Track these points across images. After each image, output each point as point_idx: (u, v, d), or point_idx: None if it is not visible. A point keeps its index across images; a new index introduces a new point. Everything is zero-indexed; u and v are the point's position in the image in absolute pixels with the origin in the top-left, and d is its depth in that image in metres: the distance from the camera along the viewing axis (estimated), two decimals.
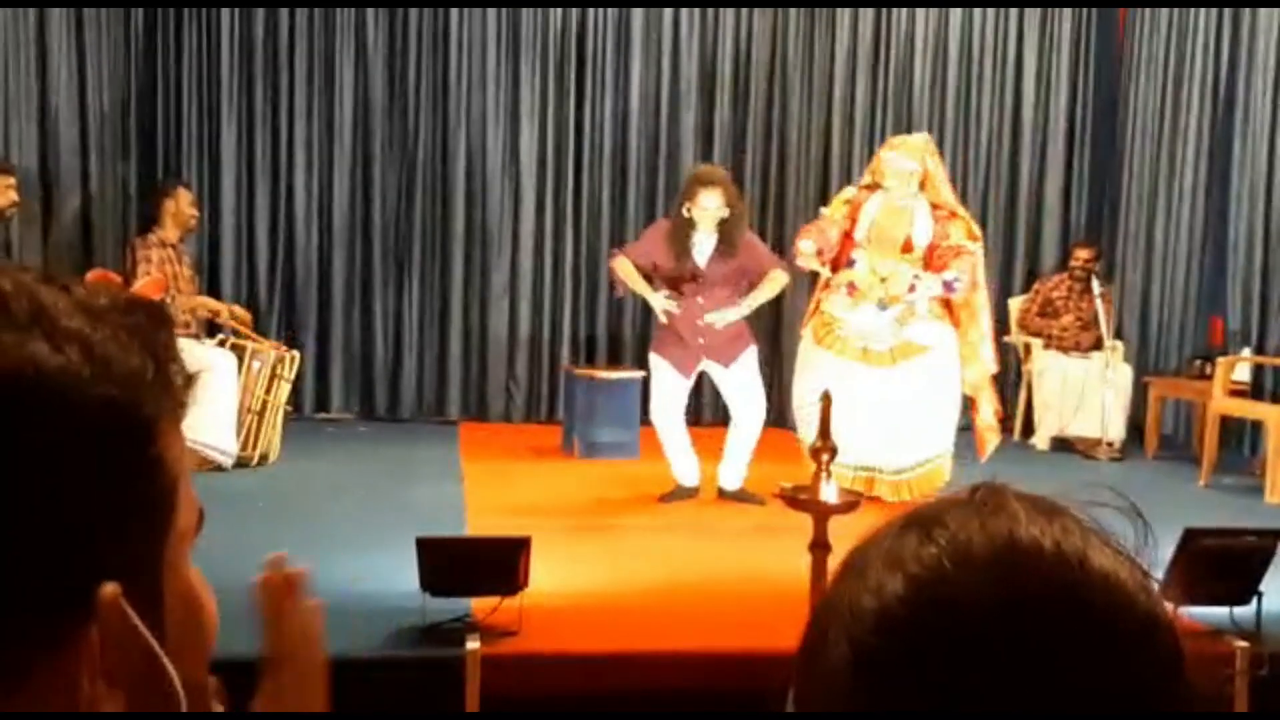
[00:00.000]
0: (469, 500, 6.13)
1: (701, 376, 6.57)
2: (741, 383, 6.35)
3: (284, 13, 8.26)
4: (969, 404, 6.56)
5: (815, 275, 6.54)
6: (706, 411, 7.85)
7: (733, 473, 6.37)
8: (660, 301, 6.25)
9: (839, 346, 6.26)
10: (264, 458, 6.89)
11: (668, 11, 8.58)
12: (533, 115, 8.53)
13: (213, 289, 7.94)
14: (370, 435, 8.00)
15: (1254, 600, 4.38)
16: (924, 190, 6.35)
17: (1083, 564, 0.70)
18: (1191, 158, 8.68)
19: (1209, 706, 0.71)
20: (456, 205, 8.49)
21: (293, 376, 7.12)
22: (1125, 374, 8.05)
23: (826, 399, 4.19)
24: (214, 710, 0.80)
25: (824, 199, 7.14)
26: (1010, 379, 8.66)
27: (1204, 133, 8.65)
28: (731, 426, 6.37)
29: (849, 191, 6.65)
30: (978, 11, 8.86)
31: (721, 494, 6.37)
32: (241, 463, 6.70)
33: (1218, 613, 4.30)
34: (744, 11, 8.65)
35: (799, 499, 4.15)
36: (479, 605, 4.16)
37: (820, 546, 3.94)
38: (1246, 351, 8.00)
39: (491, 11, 8.43)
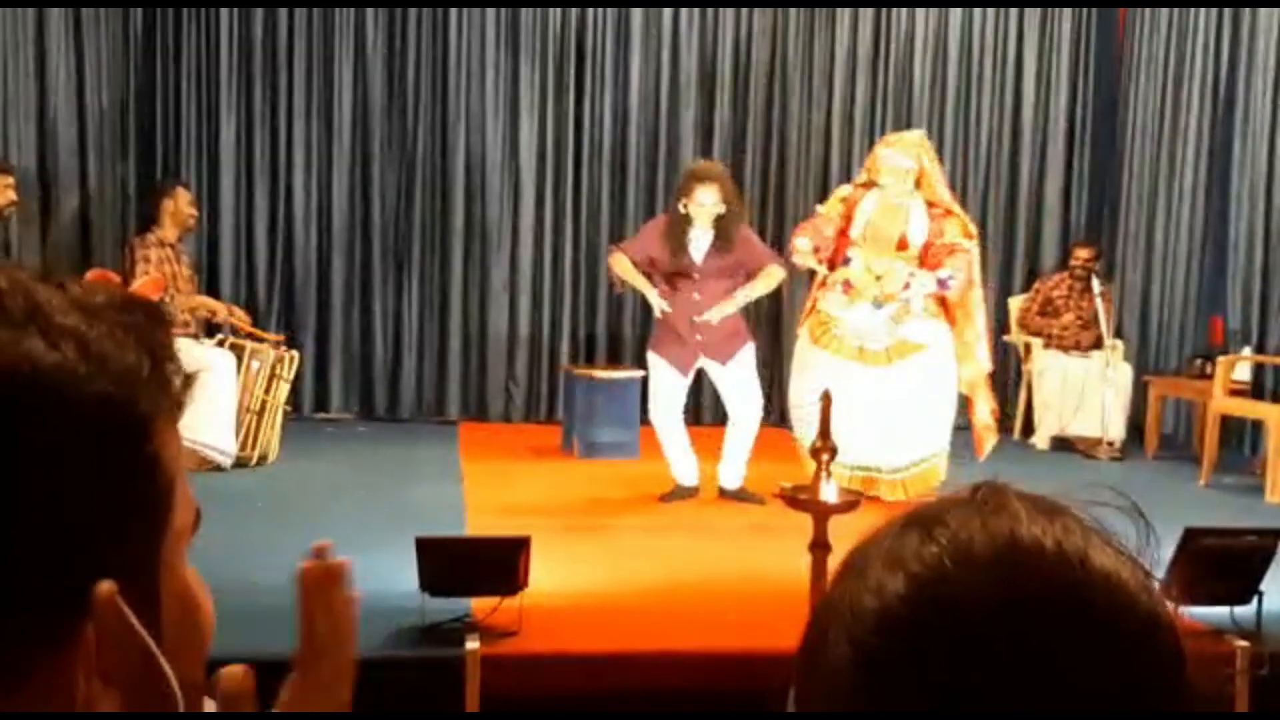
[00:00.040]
0: (469, 500, 6.13)
1: (701, 376, 6.57)
2: (739, 381, 6.35)
3: (283, 12, 8.25)
4: (965, 403, 6.57)
5: (813, 273, 6.54)
6: (706, 411, 7.85)
7: (732, 472, 6.37)
8: (656, 300, 6.26)
9: (835, 346, 6.26)
10: (263, 458, 6.89)
11: (667, 9, 8.58)
12: (532, 113, 8.53)
13: (211, 289, 7.93)
14: (370, 435, 7.99)
15: (1254, 600, 4.39)
16: (919, 188, 6.36)
17: (1084, 564, 0.69)
18: (1191, 157, 8.68)
19: (1209, 706, 0.71)
20: (456, 204, 8.49)
21: (292, 376, 7.12)
22: (1125, 373, 8.05)
23: (827, 399, 4.18)
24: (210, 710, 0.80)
25: (823, 198, 7.13)
26: (1010, 378, 8.67)
27: (1204, 133, 8.64)
28: (729, 425, 6.37)
29: (845, 189, 6.66)
30: (978, 11, 8.86)
31: (722, 493, 6.38)
32: (240, 463, 6.70)
33: (1218, 612, 4.30)
34: (744, 10, 8.65)
35: (799, 499, 4.14)
36: (479, 605, 4.16)
37: (820, 546, 3.93)
38: (1247, 351, 7.99)
39: (491, 9, 8.42)
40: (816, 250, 6.34)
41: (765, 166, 8.76)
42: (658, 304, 6.26)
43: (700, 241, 6.22)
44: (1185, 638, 0.71)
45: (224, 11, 8.18)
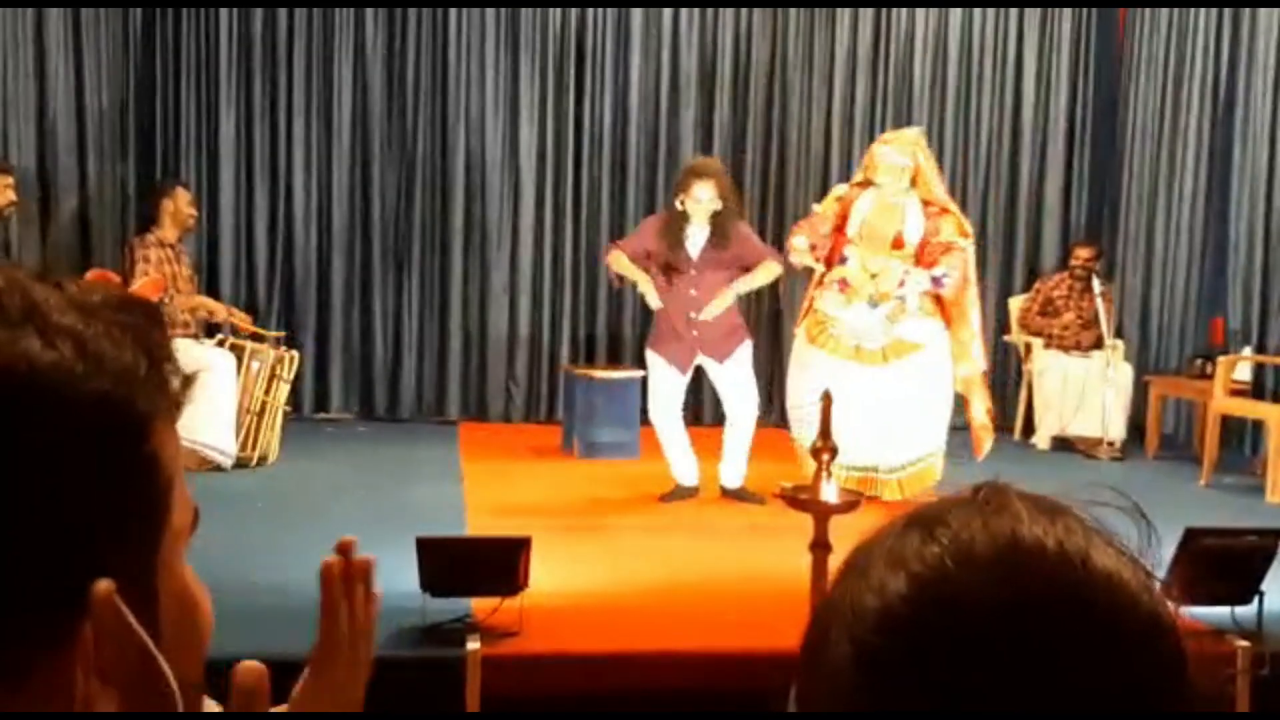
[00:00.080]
0: (469, 500, 6.13)
1: (700, 376, 6.57)
2: (736, 379, 6.35)
3: (282, 11, 8.25)
4: (961, 402, 6.57)
5: (811, 272, 6.54)
6: (706, 411, 7.85)
7: (732, 471, 6.37)
8: (653, 297, 6.26)
9: (831, 345, 6.27)
10: (263, 458, 6.89)
11: (667, 9, 8.58)
12: (532, 112, 8.53)
13: (211, 289, 7.93)
14: (370, 435, 7.99)
15: (1255, 600, 4.38)
16: (915, 186, 6.36)
17: (1085, 564, 0.69)
18: (1191, 158, 8.68)
19: (1210, 706, 0.71)
20: (456, 203, 8.49)
21: (292, 377, 7.12)
22: (1126, 373, 8.05)
23: (828, 399, 4.17)
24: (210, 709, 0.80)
25: (822, 198, 7.14)
26: (1011, 378, 8.67)
27: (1204, 133, 8.64)
28: (727, 424, 6.38)
29: (841, 188, 6.66)
30: (978, 11, 8.86)
31: (723, 492, 6.38)
32: (240, 463, 6.70)
33: (1219, 612, 4.30)
34: (744, 10, 8.65)
35: (799, 499, 4.14)
36: (479, 605, 4.16)
37: (821, 546, 3.93)
38: (1247, 351, 8.00)
39: (491, 9, 8.42)
40: (813, 248, 6.34)
41: (765, 166, 8.76)
42: (654, 301, 6.27)
43: (697, 237, 6.23)
44: (1186, 638, 0.71)
45: (223, 11, 8.18)
